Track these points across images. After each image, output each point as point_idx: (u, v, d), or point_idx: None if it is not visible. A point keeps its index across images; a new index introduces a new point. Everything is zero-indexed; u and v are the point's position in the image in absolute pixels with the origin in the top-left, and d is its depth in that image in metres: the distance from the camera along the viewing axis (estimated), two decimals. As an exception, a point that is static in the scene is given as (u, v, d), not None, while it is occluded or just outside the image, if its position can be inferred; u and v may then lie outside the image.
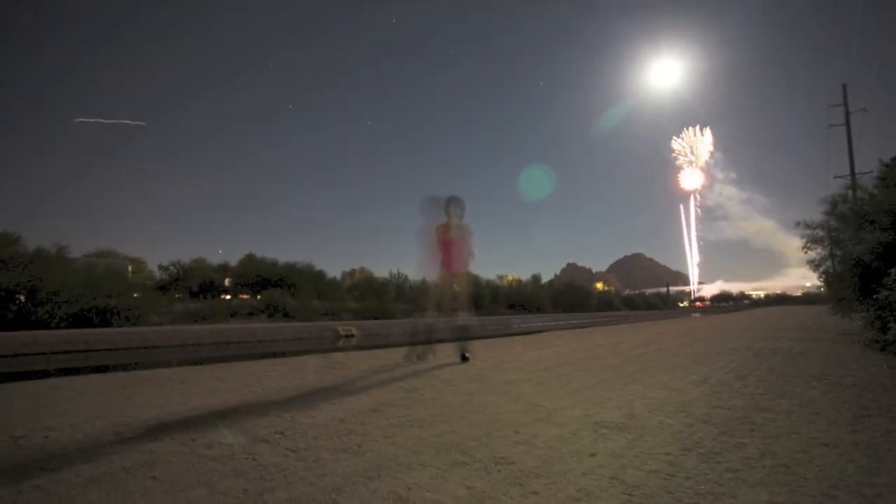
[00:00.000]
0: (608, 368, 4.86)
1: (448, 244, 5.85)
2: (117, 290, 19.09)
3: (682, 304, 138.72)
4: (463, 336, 5.90)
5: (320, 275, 36.38)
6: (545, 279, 65.30)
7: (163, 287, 29.94)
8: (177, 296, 28.36)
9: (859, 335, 7.95)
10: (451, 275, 5.88)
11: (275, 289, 29.37)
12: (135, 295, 21.19)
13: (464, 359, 5.65)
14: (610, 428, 2.49)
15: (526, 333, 14.67)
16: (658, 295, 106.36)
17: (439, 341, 6.19)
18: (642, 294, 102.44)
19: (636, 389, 3.64)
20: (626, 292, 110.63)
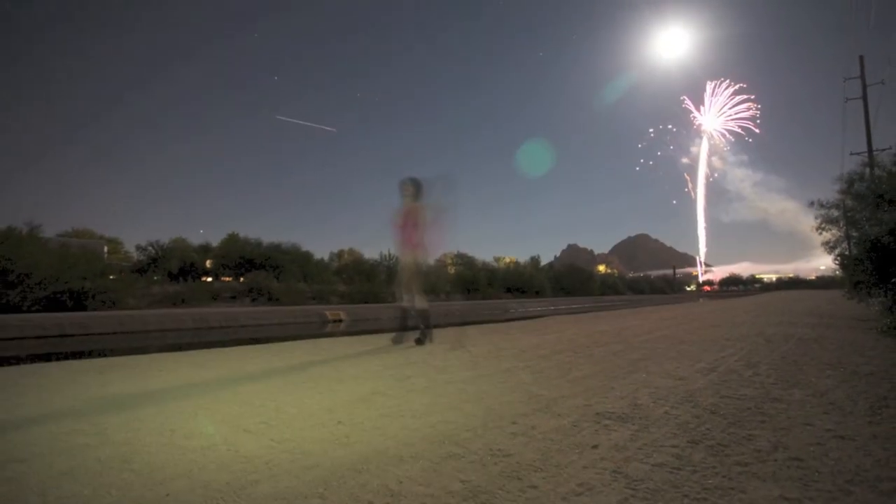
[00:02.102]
0: (611, 356, 4.88)
1: (401, 228, 6.10)
2: (92, 271, 19.03)
3: (689, 288, 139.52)
4: (420, 322, 6.13)
5: (307, 256, 36.40)
6: (545, 261, 65.48)
7: (140, 269, 29.94)
8: (155, 278, 28.32)
9: (876, 321, 7.99)
10: (405, 258, 6.12)
11: (259, 271, 29.40)
12: (111, 277, 21.12)
13: (418, 342, 5.93)
14: (613, 419, 2.49)
15: (524, 318, 14.74)
16: (664, 278, 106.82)
17: (416, 328, 6.30)
18: (647, 277, 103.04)
19: (640, 378, 3.65)
20: (631, 275, 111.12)
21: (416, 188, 6.08)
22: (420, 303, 6.05)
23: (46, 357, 8.34)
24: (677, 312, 14.99)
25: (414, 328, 6.29)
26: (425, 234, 6.05)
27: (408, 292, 6.09)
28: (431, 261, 6.39)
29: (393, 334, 6.35)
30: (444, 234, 6.22)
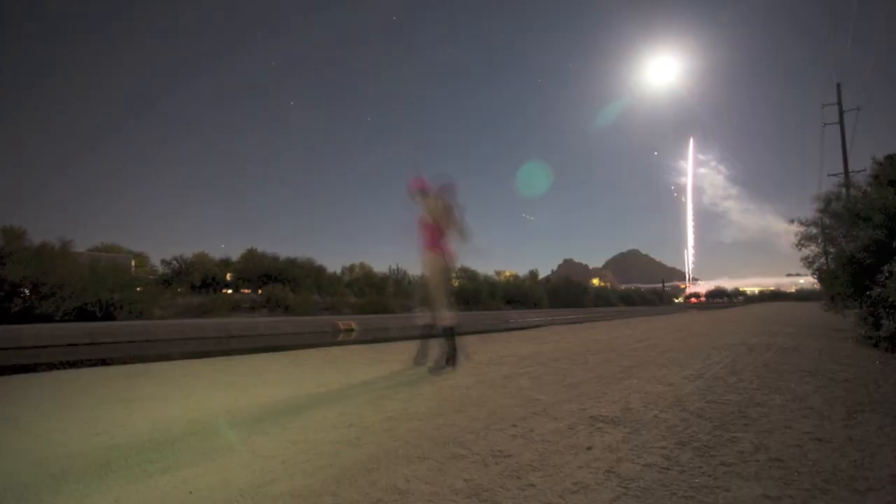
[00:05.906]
0: (604, 363, 4.86)
1: (429, 228, 4.77)
2: (120, 284, 19.05)
3: (677, 300, 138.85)
4: (447, 336, 4.75)
5: (320, 270, 36.42)
6: (542, 275, 65.36)
7: (165, 281, 29.98)
8: (179, 290, 28.29)
9: (852, 331, 7.94)
10: (434, 262, 4.73)
11: (276, 283, 29.37)
12: (138, 289, 21.14)
13: (448, 362, 4.62)
14: (606, 422, 2.49)
15: (523, 328, 14.68)
16: (654, 291, 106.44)
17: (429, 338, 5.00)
18: (638, 290, 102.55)
19: (632, 384, 3.64)
20: (623, 288, 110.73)
21: (448, 187, 4.83)
22: (447, 316, 4.68)
23: (78, 364, 8.34)
24: (666, 323, 14.91)
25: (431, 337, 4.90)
26: (450, 239, 4.76)
27: (432, 304, 4.73)
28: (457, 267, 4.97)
29: (415, 354, 4.98)
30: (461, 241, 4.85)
